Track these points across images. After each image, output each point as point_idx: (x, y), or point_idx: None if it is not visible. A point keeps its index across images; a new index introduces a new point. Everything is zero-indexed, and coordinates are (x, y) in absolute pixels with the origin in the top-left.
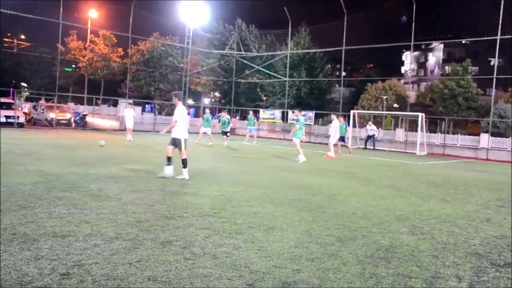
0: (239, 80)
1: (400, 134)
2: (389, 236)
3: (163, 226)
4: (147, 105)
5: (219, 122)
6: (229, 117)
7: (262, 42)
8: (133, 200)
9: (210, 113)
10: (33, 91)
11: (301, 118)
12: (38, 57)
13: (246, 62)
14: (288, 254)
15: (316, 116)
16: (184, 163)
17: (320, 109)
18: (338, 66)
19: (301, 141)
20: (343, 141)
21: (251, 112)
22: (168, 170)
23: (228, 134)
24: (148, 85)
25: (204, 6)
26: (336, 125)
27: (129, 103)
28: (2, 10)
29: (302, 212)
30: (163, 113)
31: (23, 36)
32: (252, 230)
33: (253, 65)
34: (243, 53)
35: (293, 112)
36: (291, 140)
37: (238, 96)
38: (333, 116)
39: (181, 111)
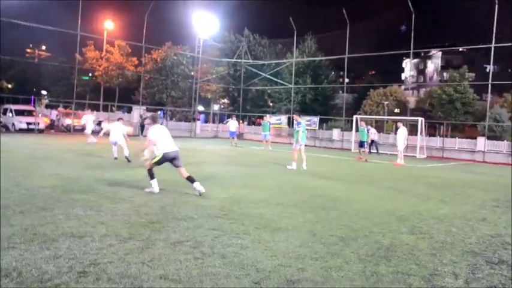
0: (247, 87)
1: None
2: (389, 235)
3: (175, 227)
4: (159, 112)
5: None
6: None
7: (270, 51)
8: (146, 202)
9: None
10: (52, 98)
11: (303, 122)
12: (57, 67)
13: (254, 70)
14: (293, 254)
15: (321, 121)
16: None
17: (324, 114)
18: (341, 73)
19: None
20: (362, 146)
21: (266, 117)
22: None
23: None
24: (161, 92)
25: (214, 17)
26: (402, 132)
27: (90, 110)
28: (24, 23)
29: (306, 213)
30: (174, 119)
31: (43, 47)
32: (259, 231)
33: (260, 73)
34: (250, 61)
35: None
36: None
37: (246, 103)
38: (400, 124)
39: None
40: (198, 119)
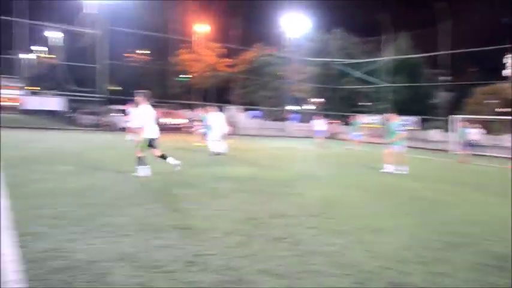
0: (340, 86)
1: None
2: (503, 244)
3: (274, 224)
4: (252, 111)
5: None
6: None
7: (362, 49)
8: (244, 198)
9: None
10: (155, 99)
11: (398, 122)
12: (156, 69)
13: (346, 68)
14: (396, 256)
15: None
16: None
17: (421, 114)
18: (439, 71)
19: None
20: (465, 147)
21: (357, 117)
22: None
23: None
24: (253, 92)
25: (304, 17)
26: None
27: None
28: (128, 30)
29: (409, 215)
30: (267, 118)
31: (144, 51)
32: (359, 231)
33: (353, 72)
34: (342, 60)
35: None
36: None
37: (339, 102)
38: None
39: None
40: (290, 119)
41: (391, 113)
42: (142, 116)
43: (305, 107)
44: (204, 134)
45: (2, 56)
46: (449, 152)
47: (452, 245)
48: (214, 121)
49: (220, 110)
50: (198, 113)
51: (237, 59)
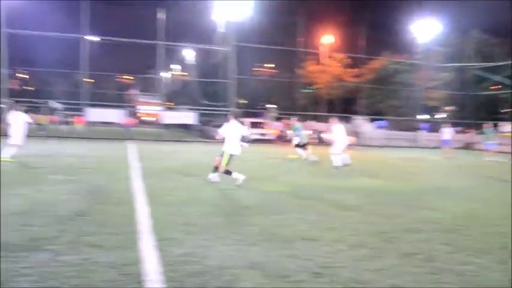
0: (477, 92)
1: None
2: None
3: (404, 238)
4: (378, 121)
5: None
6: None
7: (504, 51)
8: (373, 211)
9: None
10: (280, 111)
11: None
12: (282, 82)
13: (485, 73)
14: None
15: None
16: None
17: None
18: None
19: None
20: None
21: (489, 125)
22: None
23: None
24: (380, 102)
25: (435, 21)
26: None
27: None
28: (254, 45)
29: None
30: (396, 129)
31: (271, 65)
32: (500, 251)
33: (493, 76)
34: (481, 64)
35: None
36: None
37: (476, 110)
38: None
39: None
40: (420, 128)
41: None
42: (226, 132)
43: (437, 115)
44: (296, 145)
45: (143, 75)
46: None
47: None
48: (336, 133)
49: (344, 121)
50: (290, 122)
51: (363, 68)
